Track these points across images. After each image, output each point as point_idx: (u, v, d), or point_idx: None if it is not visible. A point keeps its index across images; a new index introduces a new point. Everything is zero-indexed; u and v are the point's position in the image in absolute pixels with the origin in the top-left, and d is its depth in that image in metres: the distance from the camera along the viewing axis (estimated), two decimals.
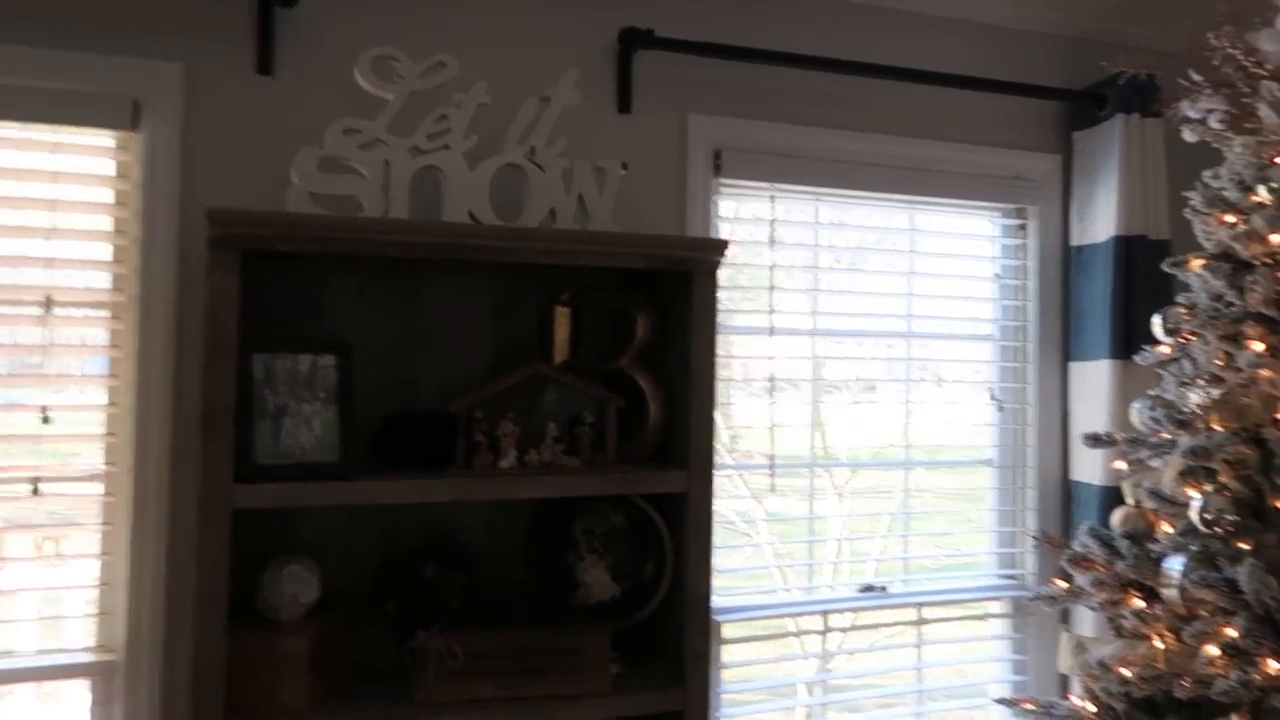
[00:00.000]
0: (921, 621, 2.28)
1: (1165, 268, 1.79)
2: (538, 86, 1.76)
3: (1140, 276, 2.28)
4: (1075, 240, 2.41)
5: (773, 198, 2.20)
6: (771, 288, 2.17)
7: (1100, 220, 2.35)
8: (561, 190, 1.75)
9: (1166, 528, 1.65)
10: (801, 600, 2.18)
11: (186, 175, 1.73)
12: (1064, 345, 2.42)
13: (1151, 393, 1.76)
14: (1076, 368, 2.37)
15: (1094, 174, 2.37)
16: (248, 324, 1.47)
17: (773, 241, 2.19)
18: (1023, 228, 2.46)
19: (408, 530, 1.77)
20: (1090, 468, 2.29)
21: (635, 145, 2.01)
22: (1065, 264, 2.43)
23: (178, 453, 1.70)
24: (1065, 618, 2.34)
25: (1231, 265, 1.56)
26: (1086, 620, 2.21)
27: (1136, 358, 1.89)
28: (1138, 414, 1.79)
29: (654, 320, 1.80)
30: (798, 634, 2.18)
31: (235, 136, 1.77)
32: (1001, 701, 2.03)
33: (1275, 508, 1.46)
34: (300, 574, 1.57)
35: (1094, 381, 2.31)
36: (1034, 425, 2.40)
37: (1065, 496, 2.38)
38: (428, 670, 1.55)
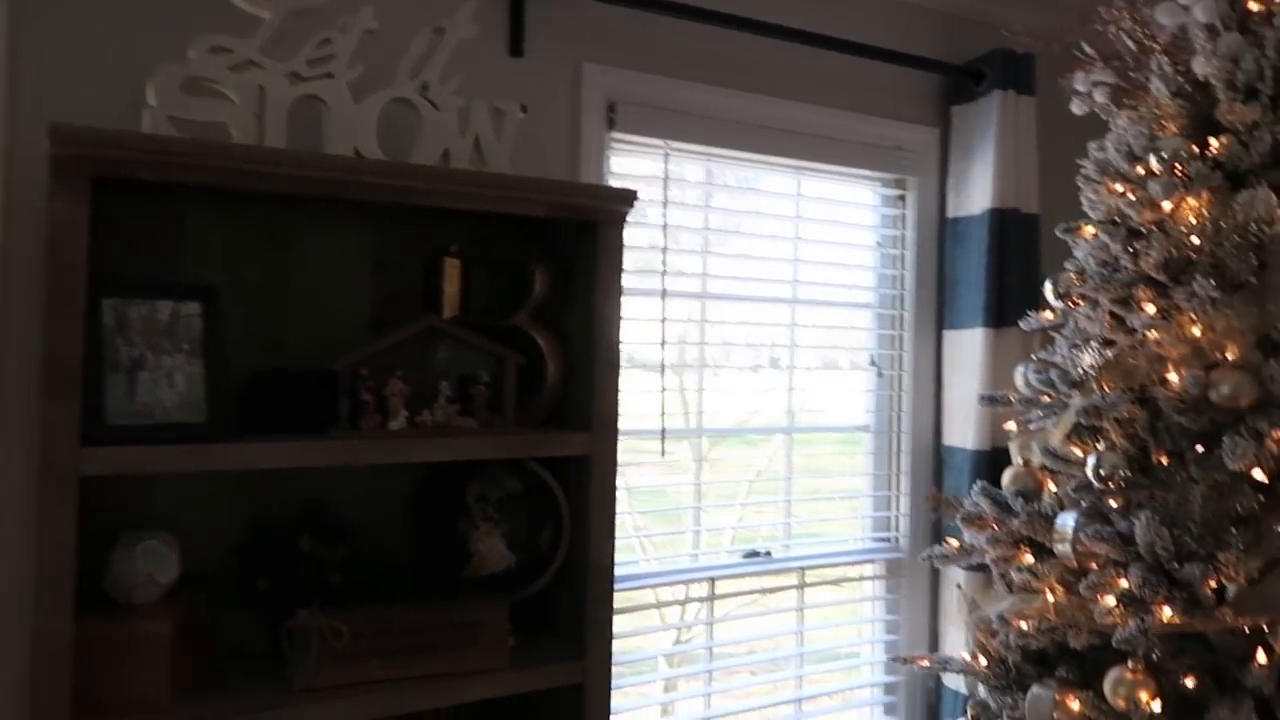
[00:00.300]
0: (803, 585, 2.29)
1: (1059, 233, 1.84)
2: (429, 16, 1.62)
3: (1012, 248, 2.36)
4: (951, 212, 2.47)
5: (666, 155, 2.13)
6: (665, 249, 2.11)
7: (976, 193, 2.41)
8: (456, 131, 1.62)
9: (1052, 486, 1.70)
10: (689, 567, 2.14)
11: (17, 89, 1.49)
12: (938, 314, 2.47)
13: (1040, 356, 1.81)
14: (950, 336, 2.44)
15: (971, 148, 2.43)
16: (97, 264, 1.27)
17: (666, 201, 2.13)
18: (902, 198, 2.50)
19: (279, 501, 1.60)
20: (961, 433, 2.36)
21: (527, 93, 1.88)
22: (941, 235, 2.49)
23: (7, 412, 1.47)
24: (936, 580, 2.42)
25: (1125, 231, 1.61)
26: (960, 579, 2.28)
27: (1021, 323, 1.94)
28: (1023, 377, 1.83)
29: (552, 275, 1.70)
30: (684, 602, 2.14)
31: (79, 48, 1.53)
32: (897, 659, 2.06)
33: (1161, 463, 1.52)
34: (157, 550, 1.39)
35: (967, 349, 2.37)
36: (909, 392, 2.45)
37: (937, 461, 2.45)
38: (308, 653, 1.41)
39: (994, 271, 2.34)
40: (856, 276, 2.47)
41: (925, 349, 2.46)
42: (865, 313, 2.47)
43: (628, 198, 1.63)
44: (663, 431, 2.06)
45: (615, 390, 1.61)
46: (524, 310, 1.68)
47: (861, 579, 2.41)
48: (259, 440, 1.38)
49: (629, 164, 2.10)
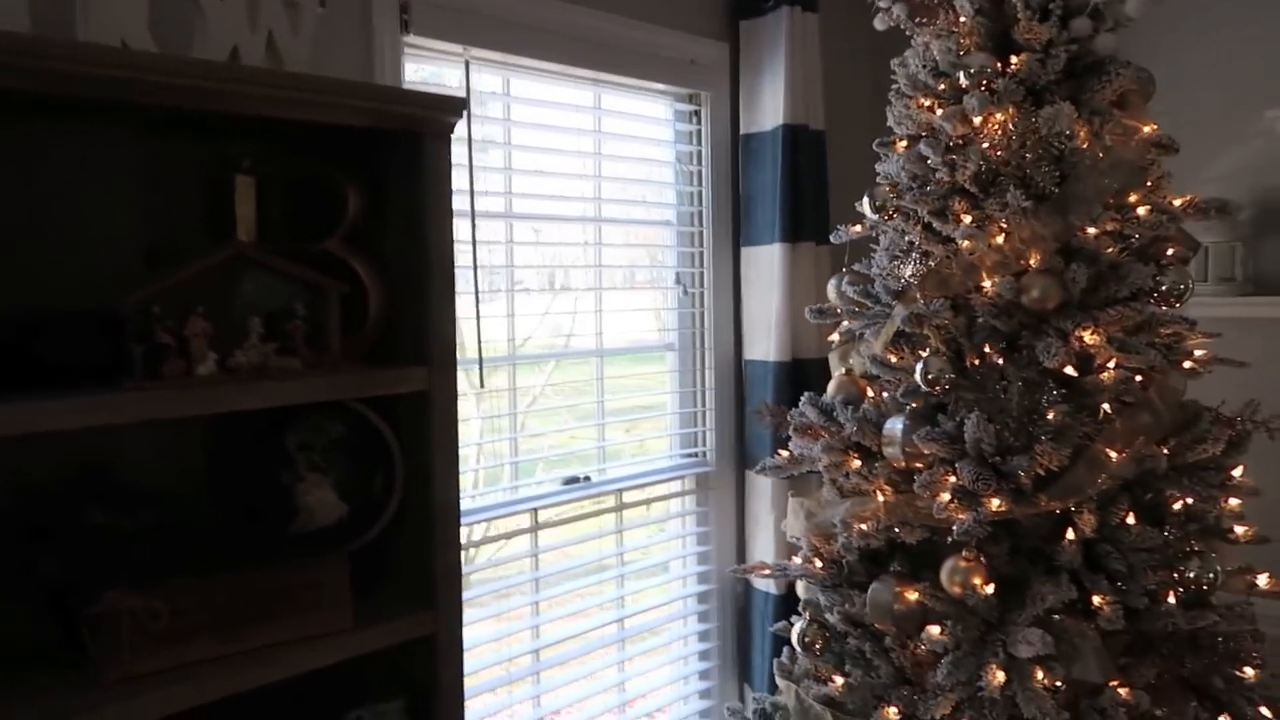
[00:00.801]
0: (621, 507, 2.29)
1: (875, 147, 1.90)
2: None
3: (803, 164, 2.43)
4: (744, 128, 2.49)
5: (467, 63, 1.96)
6: (471, 166, 1.96)
7: (767, 109, 2.44)
8: (245, 24, 1.39)
9: (872, 393, 1.78)
10: (510, 500, 2.07)
11: None
12: (735, 231, 2.51)
13: (854, 269, 1.87)
14: (748, 252, 2.48)
15: (760, 64, 2.45)
16: None
17: (467, 114, 1.97)
18: (697, 114, 2.48)
19: (44, 469, 1.34)
20: (763, 347, 2.43)
21: None
22: (735, 151, 2.51)
23: None
24: (742, 491, 2.50)
25: (941, 145, 1.68)
26: (766, 490, 2.37)
27: (832, 237, 2.00)
28: (836, 290, 1.90)
29: (365, 195, 1.52)
30: (509, 535, 2.07)
31: None
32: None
33: (973, 366, 1.63)
34: None
35: (764, 265, 2.43)
36: (711, 309, 2.48)
37: (738, 375, 2.51)
38: (119, 639, 1.20)
39: (788, 187, 2.40)
40: (657, 194, 2.45)
41: (724, 266, 2.50)
42: (667, 231, 2.46)
43: (456, 106, 1.48)
44: (480, 361, 1.94)
45: (453, 319, 1.48)
46: (336, 235, 1.49)
47: (670, 496, 2.44)
48: (30, 399, 1.13)
49: (427, 73, 1.93)
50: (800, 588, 1.95)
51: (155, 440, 1.44)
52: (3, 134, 1.31)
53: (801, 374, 2.38)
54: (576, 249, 2.29)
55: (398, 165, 1.50)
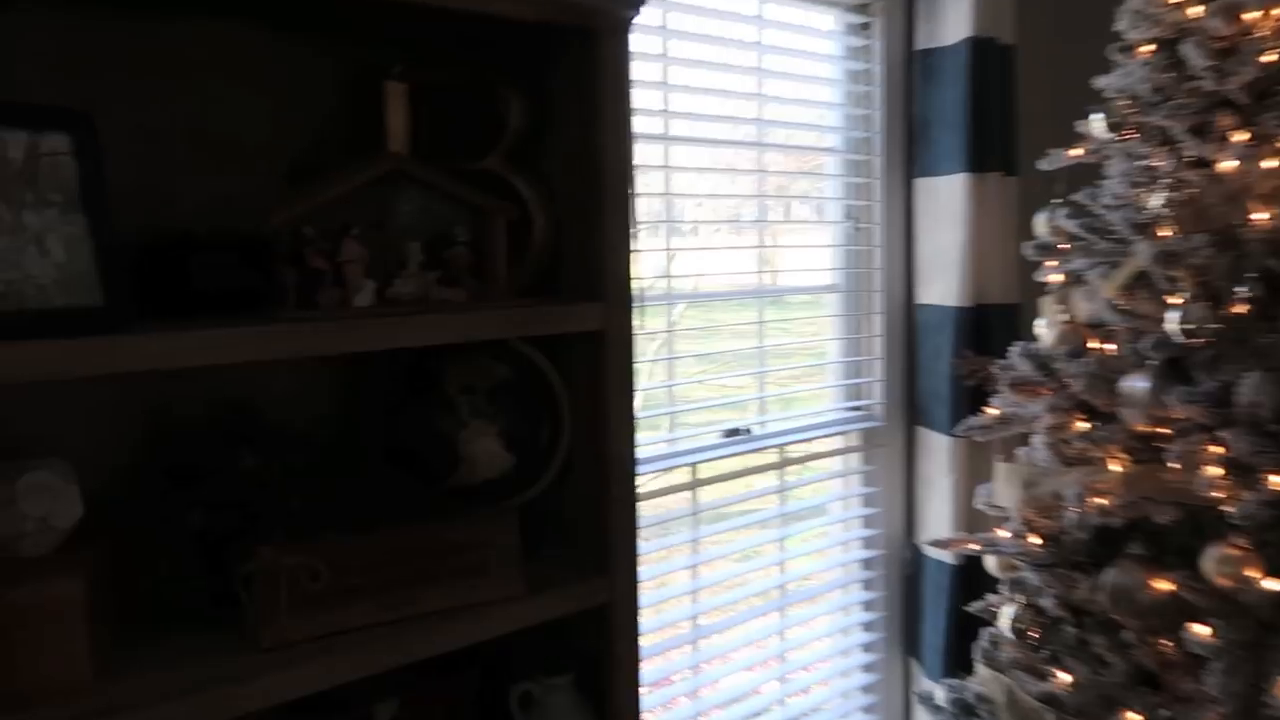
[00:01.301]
0: (784, 463, 2.09)
1: (1114, 55, 1.61)
2: None
3: (991, 84, 2.14)
4: (921, 43, 2.21)
5: None
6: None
7: (949, 20, 2.15)
8: None
9: (1097, 344, 1.52)
10: (670, 452, 1.89)
11: None
12: (909, 161, 2.25)
13: (1073, 199, 1.61)
14: (924, 184, 2.22)
15: None
16: None
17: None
18: (867, 27, 2.22)
19: (189, 403, 1.22)
20: (939, 290, 2.17)
21: None
22: (910, 70, 2.24)
23: None
24: (911, 450, 2.26)
25: (1199, 49, 1.39)
26: (942, 450, 2.14)
27: (1042, 163, 1.73)
28: (1048, 224, 1.64)
29: (529, 104, 1.34)
30: (668, 491, 1.90)
31: None
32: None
33: (1237, 314, 1.36)
34: (48, 483, 1.00)
35: (944, 198, 2.16)
36: (882, 247, 2.23)
37: (909, 322, 2.27)
38: (276, 600, 1.07)
39: (974, 111, 2.12)
40: (823, 118, 2.20)
41: (896, 199, 2.24)
42: (833, 160, 2.22)
43: (635, 0, 1.28)
44: (640, 301, 1.75)
45: (628, 248, 1.29)
46: (498, 150, 1.32)
47: (833, 454, 2.23)
48: (181, 329, 0.99)
49: None
50: (992, 563, 1.73)
51: (300, 377, 1.31)
52: (125, 33, 1.17)
53: (985, 321, 2.12)
54: (735, 178, 2.07)
55: (567, 70, 1.31)
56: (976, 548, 1.68)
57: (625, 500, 1.31)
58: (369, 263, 1.15)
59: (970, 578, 2.03)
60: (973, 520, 2.06)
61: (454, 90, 1.36)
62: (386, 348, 1.09)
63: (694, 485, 1.92)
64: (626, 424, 1.31)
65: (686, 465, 1.90)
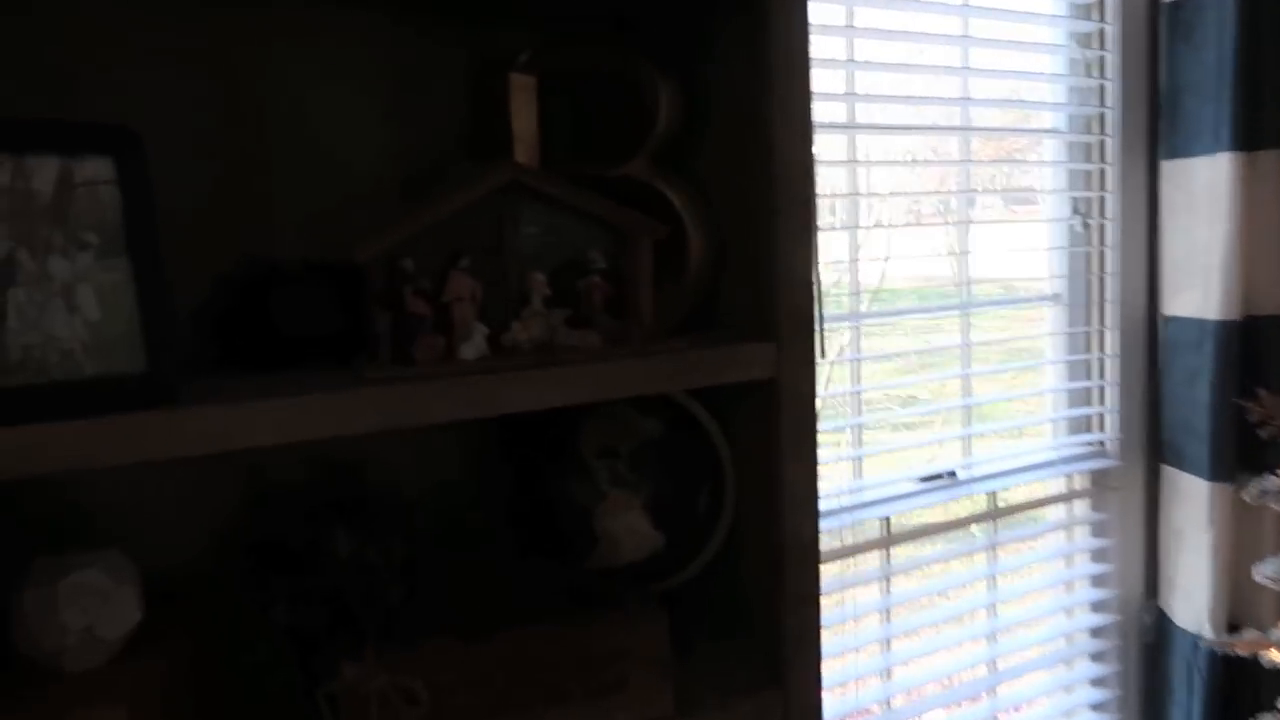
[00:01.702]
0: (996, 514, 1.74)
1: None
2: None
3: (1264, 40, 1.70)
4: None
5: None
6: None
7: None
8: None
9: None
10: (855, 503, 1.58)
11: None
12: (1151, 139, 1.84)
13: None
14: (1173, 167, 1.80)
15: None
16: None
17: None
18: None
19: (282, 467, 1.03)
20: (1194, 299, 1.76)
21: None
22: (1154, 27, 1.82)
23: None
24: (1153, 493, 1.85)
25: None
26: (1200, 496, 1.73)
27: None
28: None
29: (680, 96, 1.07)
30: (854, 550, 1.59)
31: None
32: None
33: None
34: (96, 586, 0.82)
35: (1202, 183, 1.74)
36: (1114, 247, 1.84)
37: (1151, 337, 1.86)
38: None
39: (1242, 73, 1.69)
40: (1042, 92, 1.83)
41: (1135, 187, 1.84)
42: (1054, 142, 1.84)
43: None
44: (821, 321, 1.46)
45: (811, 270, 1.01)
46: (643, 152, 1.06)
47: (1051, 500, 1.85)
48: (238, 397, 0.78)
49: None
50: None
51: (414, 434, 1.09)
52: (206, 25, 0.98)
53: (1256, 338, 1.69)
54: (930, 170, 1.73)
55: (728, 49, 1.04)
56: (1276, 655, 1.28)
57: (805, 594, 1.03)
58: (481, 301, 0.92)
59: (1234, 657, 1.62)
60: (1242, 592, 1.65)
61: (590, 81, 1.12)
62: (498, 414, 0.86)
63: (886, 543, 1.61)
64: (806, 497, 1.02)
65: (876, 518, 1.59)
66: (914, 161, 1.83)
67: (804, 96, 0.99)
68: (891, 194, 1.71)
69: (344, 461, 1.07)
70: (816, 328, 1.02)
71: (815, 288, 1.01)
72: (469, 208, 0.91)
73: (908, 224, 1.91)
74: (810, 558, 1.03)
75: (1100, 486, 1.86)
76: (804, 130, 0.99)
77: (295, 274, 0.97)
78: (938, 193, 1.80)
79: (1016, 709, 1.80)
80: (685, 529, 1.07)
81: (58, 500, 0.94)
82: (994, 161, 1.86)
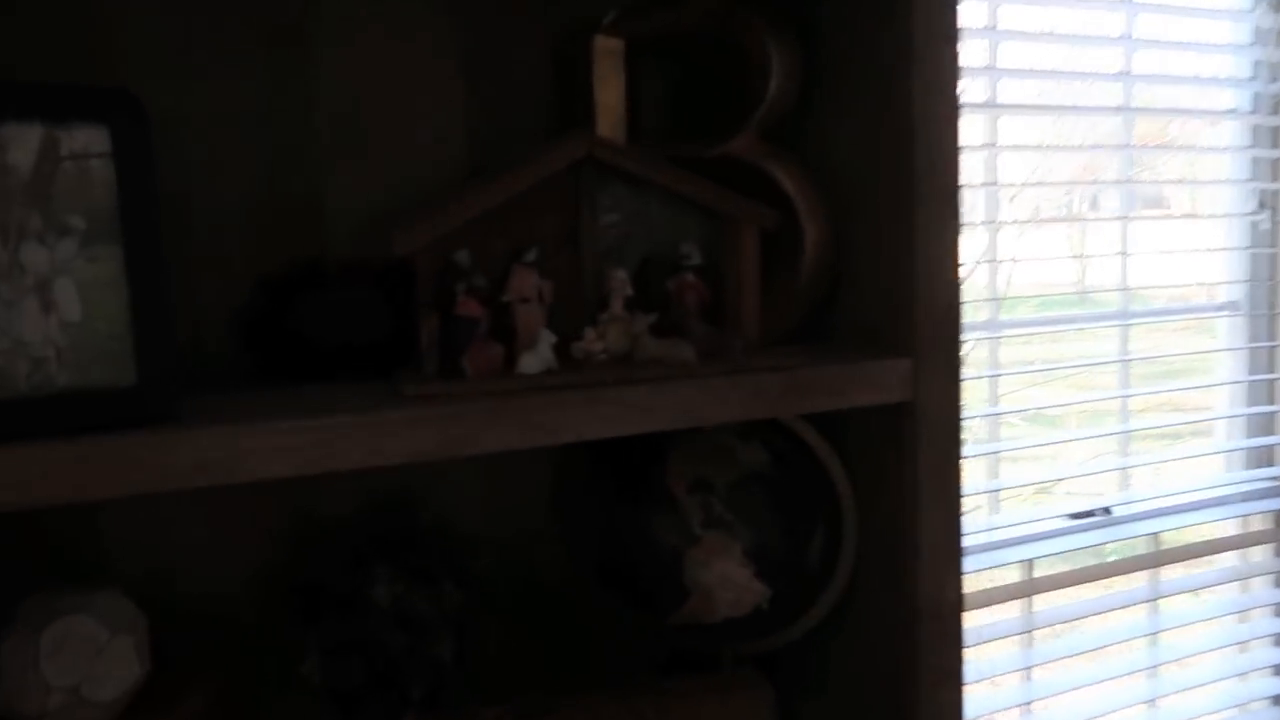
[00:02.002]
0: (1158, 562, 1.49)
1: None
2: None
3: None
4: None
5: None
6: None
7: None
8: None
9: None
10: (990, 543, 1.37)
11: None
12: None
13: None
14: None
15: None
16: None
17: None
18: None
19: (335, 496, 0.89)
20: None
21: None
22: None
23: None
24: None
25: None
26: None
27: None
28: None
29: (792, 60, 0.89)
30: (989, 601, 1.37)
31: None
32: None
33: None
34: (87, 635, 0.69)
35: None
36: None
37: None
38: None
39: None
40: (1217, 67, 1.57)
41: None
42: (1232, 126, 1.58)
43: None
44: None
45: (955, 272, 0.81)
46: (749, 126, 0.88)
47: (1232, 544, 1.58)
48: (251, 418, 0.64)
49: None
50: None
51: (478, 459, 0.94)
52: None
53: None
54: (1078, 157, 1.50)
55: (855, 4, 0.85)
56: None
57: (945, 670, 0.83)
58: (550, 303, 0.76)
59: None
60: None
61: (687, 45, 0.95)
62: (564, 442, 0.69)
63: (1027, 590, 1.38)
64: (948, 549, 0.82)
65: (1016, 562, 1.37)
66: (1055, 148, 1.59)
67: (951, 65, 0.80)
68: (1036, 184, 1.48)
69: (391, 492, 0.92)
70: (960, 340, 0.83)
71: (960, 292, 0.82)
72: (535, 189, 0.75)
73: (1045, 220, 1.67)
74: (952, 626, 0.83)
75: None
76: (950, 106, 0.80)
77: (338, 274, 0.83)
78: (1088, 183, 1.56)
79: None
80: (793, 580, 0.88)
81: (76, 524, 0.82)
82: (1155, 148, 1.61)
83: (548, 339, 0.73)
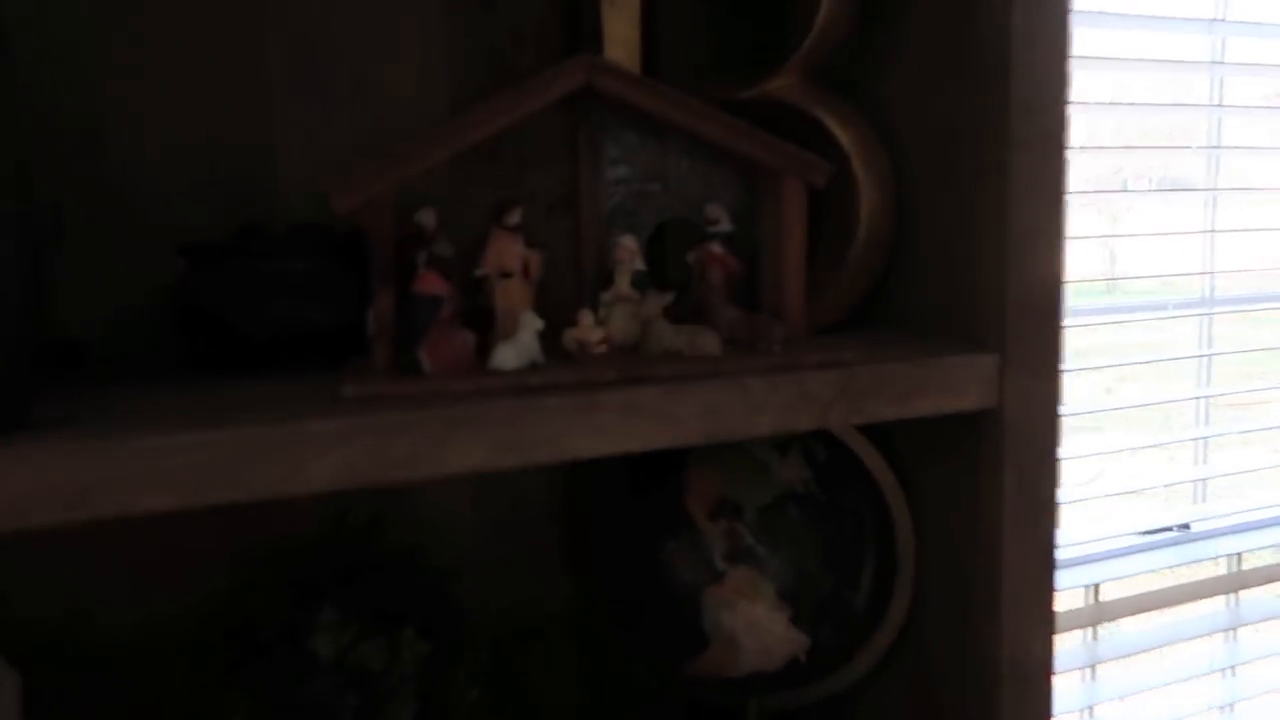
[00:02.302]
0: (1238, 585, 1.31)
1: None
2: None
3: None
4: None
5: None
6: None
7: None
8: None
9: None
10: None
11: None
12: None
13: None
14: None
15: None
16: None
17: None
18: None
19: (279, 517, 0.73)
20: None
21: None
22: None
23: None
24: None
25: None
26: None
27: None
28: None
29: None
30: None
31: None
32: None
33: None
34: None
35: None
36: None
37: None
38: None
39: None
40: None
41: None
42: None
43: None
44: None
45: (1059, 243, 0.64)
46: (792, 63, 0.70)
47: None
48: (125, 429, 0.47)
49: None
50: None
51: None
52: None
53: None
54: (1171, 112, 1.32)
55: None
56: None
57: None
58: (538, 279, 0.59)
59: None
60: None
61: None
62: (544, 463, 0.52)
63: (1093, 618, 1.21)
64: (1038, 596, 0.65)
65: (1080, 587, 1.19)
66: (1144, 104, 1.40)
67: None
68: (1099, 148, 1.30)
69: (356, 508, 0.76)
70: (1061, 330, 0.65)
71: (1063, 267, 0.64)
72: (520, 132, 0.59)
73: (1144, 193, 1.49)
74: (1040, 690, 0.66)
75: None
76: (1059, 41, 0.62)
77: (277, 241, 0.67)
78: (1175, 148, 1.38)
79: None
80: (835, 622, 0.71)
81: None
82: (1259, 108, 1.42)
83: (532, 325, 0.56)
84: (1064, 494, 1.20)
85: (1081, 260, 1.25)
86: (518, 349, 0.55)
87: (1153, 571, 1.23)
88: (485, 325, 0.57)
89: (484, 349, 0.56)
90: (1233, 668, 1.32)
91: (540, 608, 0.81)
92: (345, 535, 0.73)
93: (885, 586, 0.73)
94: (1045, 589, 0.65)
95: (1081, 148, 1.24)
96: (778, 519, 0.69)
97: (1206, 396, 1.29)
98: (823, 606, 0.70)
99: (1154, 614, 1.27)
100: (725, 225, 0.63)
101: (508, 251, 0.58)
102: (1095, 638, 1.22)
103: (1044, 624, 0.66)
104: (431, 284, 0.55)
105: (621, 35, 0.72)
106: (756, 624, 0.68)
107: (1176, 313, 1.28)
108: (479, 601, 0.78)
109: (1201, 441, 1.30)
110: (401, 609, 0.68)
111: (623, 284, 0.61)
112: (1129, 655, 1.25)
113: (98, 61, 0.67)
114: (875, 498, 0.72)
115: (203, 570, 0.72)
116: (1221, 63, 1.26)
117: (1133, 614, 1.23)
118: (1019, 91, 0.60)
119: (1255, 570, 1.32)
